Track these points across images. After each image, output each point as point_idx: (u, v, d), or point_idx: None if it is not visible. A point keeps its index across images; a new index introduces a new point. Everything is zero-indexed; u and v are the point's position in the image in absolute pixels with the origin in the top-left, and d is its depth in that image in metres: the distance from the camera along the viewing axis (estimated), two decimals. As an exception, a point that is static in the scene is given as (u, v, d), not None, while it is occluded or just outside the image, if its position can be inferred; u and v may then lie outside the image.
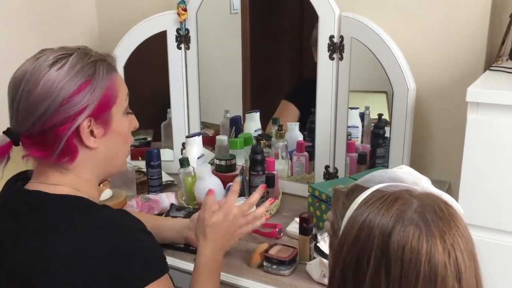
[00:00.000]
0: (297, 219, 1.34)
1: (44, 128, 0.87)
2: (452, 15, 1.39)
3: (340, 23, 1.45)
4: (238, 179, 1.26)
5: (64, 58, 0.89)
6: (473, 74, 1.32)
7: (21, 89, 0.88)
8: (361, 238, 0.66)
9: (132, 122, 1.02)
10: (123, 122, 0.98)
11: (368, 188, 0.71)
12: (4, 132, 0.90)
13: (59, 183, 0.92)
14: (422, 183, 0.71)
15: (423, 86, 1.44)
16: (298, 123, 1.78)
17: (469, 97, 1.06)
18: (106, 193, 1.49)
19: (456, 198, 1.16)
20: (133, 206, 1.46)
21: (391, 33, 1.40)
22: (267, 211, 1.49)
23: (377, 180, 0.72)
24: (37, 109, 0.87)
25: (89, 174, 0.95)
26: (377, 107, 1.70)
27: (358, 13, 1.44)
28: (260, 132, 1.81)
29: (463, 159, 1.12)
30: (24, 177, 0.98)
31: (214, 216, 1.11)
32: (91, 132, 0.91)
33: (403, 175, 0.72)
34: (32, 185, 0.94)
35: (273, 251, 1.25)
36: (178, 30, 1.71)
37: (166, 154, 1.83)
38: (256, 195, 1.18)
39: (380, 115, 1.65)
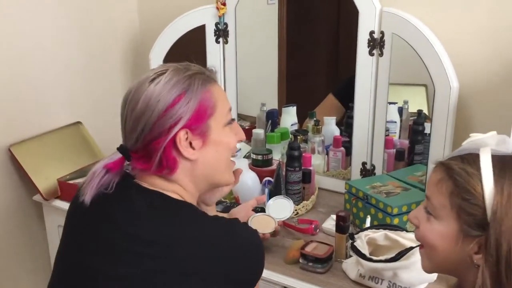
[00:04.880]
0: (333, 216, 1.35)
1: (145, 142, 0.90)
2: (498, 12, 1.34)
3: (381, 19, 1.43)
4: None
5: (162, 74, 0.91)
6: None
7: (126, 107, 0.92)
8: None
9: (238, 134, 1.01)
10: (225, 134, 0.96)
11: (478, 153, 0.80)
12: (117, 149, 0.94)
13: (167, 190, 0.93)
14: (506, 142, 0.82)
15: (466, 85, 1.40)
16: (335, 117, 1.77)
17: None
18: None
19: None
20: (172, 199, 1.49)
21: (433, 29, 1.37)
22: (303, 207, 1.51)
23: (476, 147, 0.81)
24: (138, 125, 0.89)
25: (191, 185, 0.95)
26: (416, 100, 1.67)
27: (400, 9, 1.41)
28: (296, 126, 1.81)
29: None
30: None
31: None
32: (190, 144, 0.92)
33: (487, 139, 0.82)
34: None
35: (309, 248, 1.26)
36: (216, 24, 1.72)
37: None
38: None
39: (419, 111, 1.62)
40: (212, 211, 1.15)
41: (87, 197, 0.91)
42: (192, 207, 0.94)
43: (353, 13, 1.48)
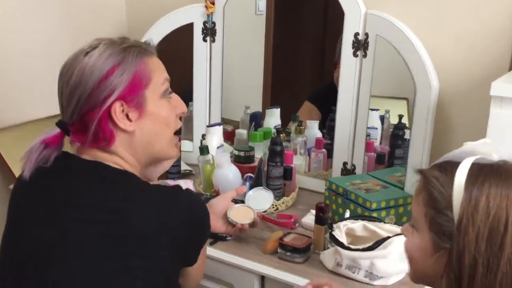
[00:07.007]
0: (313, 211, 1.35)
1: (80, 114, 0.90)
2: (478, 16, 1.39)
3: (365, 21, 1.47)
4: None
5: (96, 47, 0.92)
6: (498, 75, 1.32)
7: (61, 81, 0.93)
8: (491, 214, 0.70)
9: (178, 106, 1.00)
10: (162, 105, 0.96)
11: (460, 162, 0.75)
12: (56, 123, 0.94)
13: (107, 161, 0.93)
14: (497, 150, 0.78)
15: (447, 87, 1.43)
16: (318, 121, 1.79)
17: (493, 91, 1.06)
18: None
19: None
20: (152, 189, 1.47)
21: (416, 31, 1.41)
22: (283, 203, 1.50)
23: (462, 156, 0.77)
24: (73, 97, 0.90)
25: (131, 158, 0.95)
26: (397, 112, 1.70)
27: (384, 11, 1.45)
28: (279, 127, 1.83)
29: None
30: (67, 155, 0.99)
31: None
32: (127, 116, 0.92)
33: (478, 147, 0.78)
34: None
35: (288, 239, 1.26)
36: (204, 23, 1.74)
37: (185, 145, 1.85)
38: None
39: (400, 116, 1.65)
40: None
41: (26, 172, 0.92)
42: (135, 176, 0.94)
43: (339, 21, 1.52)
